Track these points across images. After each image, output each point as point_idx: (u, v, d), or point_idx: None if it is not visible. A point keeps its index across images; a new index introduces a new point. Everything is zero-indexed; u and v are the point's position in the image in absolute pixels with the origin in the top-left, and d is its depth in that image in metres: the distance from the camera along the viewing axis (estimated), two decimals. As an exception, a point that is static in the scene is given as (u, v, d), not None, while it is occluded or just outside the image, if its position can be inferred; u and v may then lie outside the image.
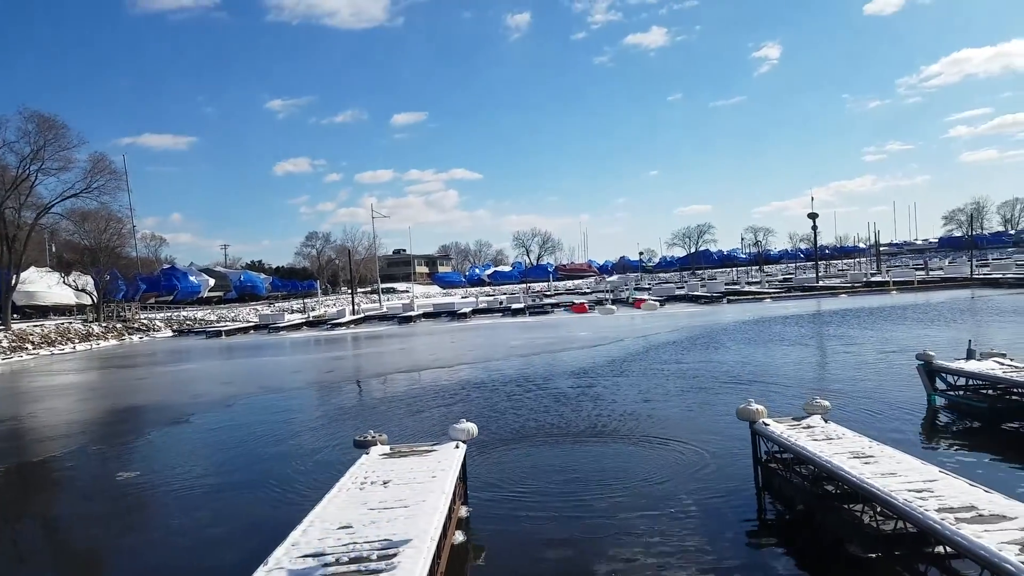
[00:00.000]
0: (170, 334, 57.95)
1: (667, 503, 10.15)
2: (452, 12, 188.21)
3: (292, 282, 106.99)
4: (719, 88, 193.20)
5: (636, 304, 12.29)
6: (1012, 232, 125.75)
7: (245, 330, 57.33)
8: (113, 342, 52.11)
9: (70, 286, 61.17)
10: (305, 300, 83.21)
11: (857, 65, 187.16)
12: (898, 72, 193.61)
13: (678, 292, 64.70)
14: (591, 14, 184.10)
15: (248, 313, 70.77)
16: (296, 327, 57.17)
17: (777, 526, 9.54)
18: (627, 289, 16.12)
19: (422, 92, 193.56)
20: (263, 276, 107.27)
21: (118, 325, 56.75)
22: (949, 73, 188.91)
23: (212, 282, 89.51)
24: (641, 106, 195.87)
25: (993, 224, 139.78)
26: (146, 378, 31.03)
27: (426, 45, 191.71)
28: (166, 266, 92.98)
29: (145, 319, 62.23)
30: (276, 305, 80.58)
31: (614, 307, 11.77)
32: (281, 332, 54.28)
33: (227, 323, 62.11)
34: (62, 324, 52.92)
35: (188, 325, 61.81)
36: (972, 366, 14.64)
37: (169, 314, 67.46)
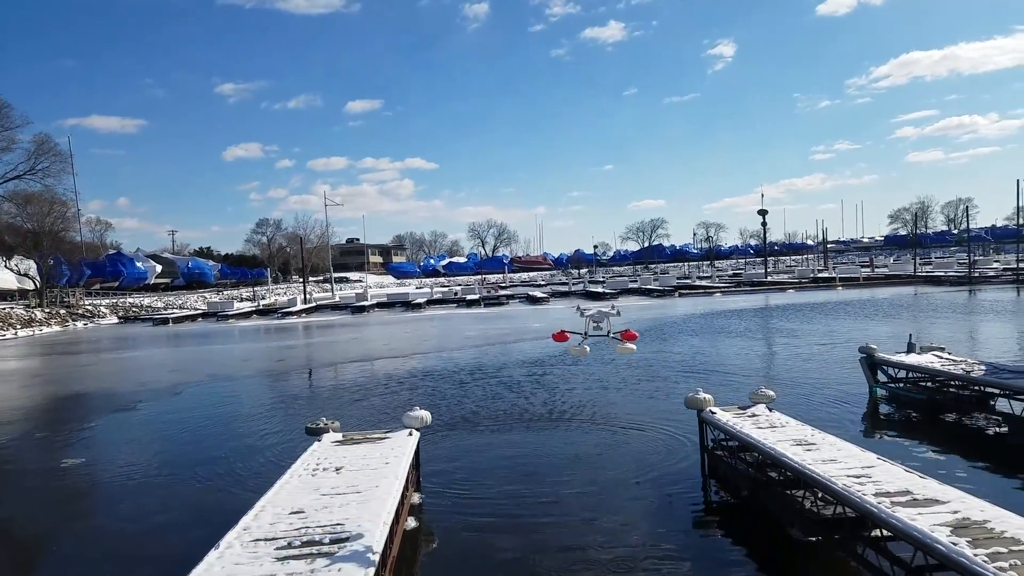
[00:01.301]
0: (115, 321, 56.54)
1: (616, 489, 10.32)
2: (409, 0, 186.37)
3: (242, 269, 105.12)
4: (674, 84, 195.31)
5: (623, 338, 11.55)
6: (955, 232, 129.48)
7: (193, 318, 56.24)
8: (56, 328, 50.66)
9: (12, 270, 59.28)
10: (255, 288, 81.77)
11: (808, 65, 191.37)
12: (848, 73, 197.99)
13: (631, 286, 65.58)
14: (549, 6, 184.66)
15: (196, 301, 69.36)
16: (246, 315, 56.23)
17: (722, 511, 9.75)
18: (607, 317, 14.23)
19: (378, 79, 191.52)
20: (212, 263, 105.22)
21: (62, 311, 55.15)
22: (897, 75, 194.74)
23: (159, 268, 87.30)
24: (597, 100, 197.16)
25: (937, 224, 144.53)
26: (91, 365, 30.26)
27: (382, 32, 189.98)
28: (112, 251, 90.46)
29: (90, 305, 60.52)
30: (225, 293, 79.10)
31: (587, 348, 10.92)
32: (230, 320, 53.34)
33: (174, 310, 60.83)
34: (3, 309, 51.26)
35: (134, 312, 60.37)
36: (912, 359, 15.14)
37: (115, 300, 65.70)
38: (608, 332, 12.32)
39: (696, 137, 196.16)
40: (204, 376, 24.51)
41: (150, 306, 64.27)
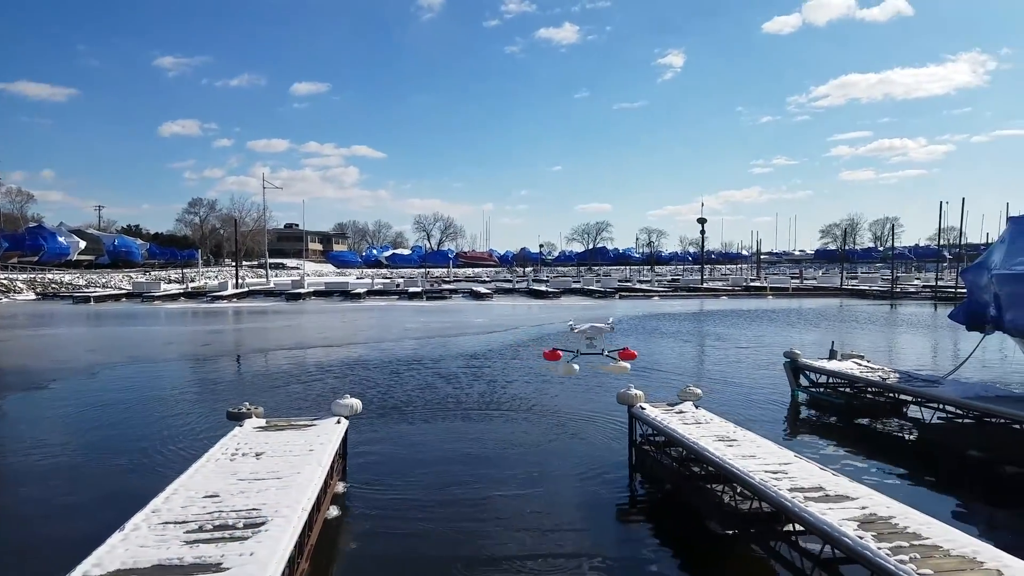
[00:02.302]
0: (33, 297, 54.31)
1: (544, 482, 10.43)
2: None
3: (171, 250, 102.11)
4: (624, 91, 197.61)
5: (623, 355, 10.70)
6: (881, 249, 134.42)
7: (117, 297, 54.40)
8: (-32, 302, 48.39)
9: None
10: (184, 270, 79.14)
11: (752, 81, 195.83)
12: (789, 90, 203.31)
13: (574, 286, 66.14)
14: (505, 3, 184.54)
15: (121, 280, 66.89)
16: (173, 297, 54.62)
17: (646, 505, 9.95)
18: (601, 333, 13.32)
19: (327, 63, 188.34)
20: (140, 242, 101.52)
21: (-26, 284, 52.68)
22: (835, 95, 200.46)
23: (83, 245, 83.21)
24: (549, 100, 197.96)
25: (865, 240, 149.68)
26: (3, 341, 29.01)
27: (334, 15, 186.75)
28: (32, 224, 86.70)
29: (5, 279, 57.79)
30: (152, 273, 76.33)
31: (576, 366, 10.14)
32: (156, 302, 51.64)
33: (97, 289, 58.73)
34: (-89, 280, 48.72)
35: (54, 288, 58.02)
36: (833, 365, 15.74)
37: (33, 276, 62.94)
38: (603, 350, 12.33)
39: (643, 144, 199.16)
40: (124, 357, 23.64)
41: (71, 283, 61.82)
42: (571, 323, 13.46)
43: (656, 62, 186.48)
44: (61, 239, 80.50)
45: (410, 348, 25.80)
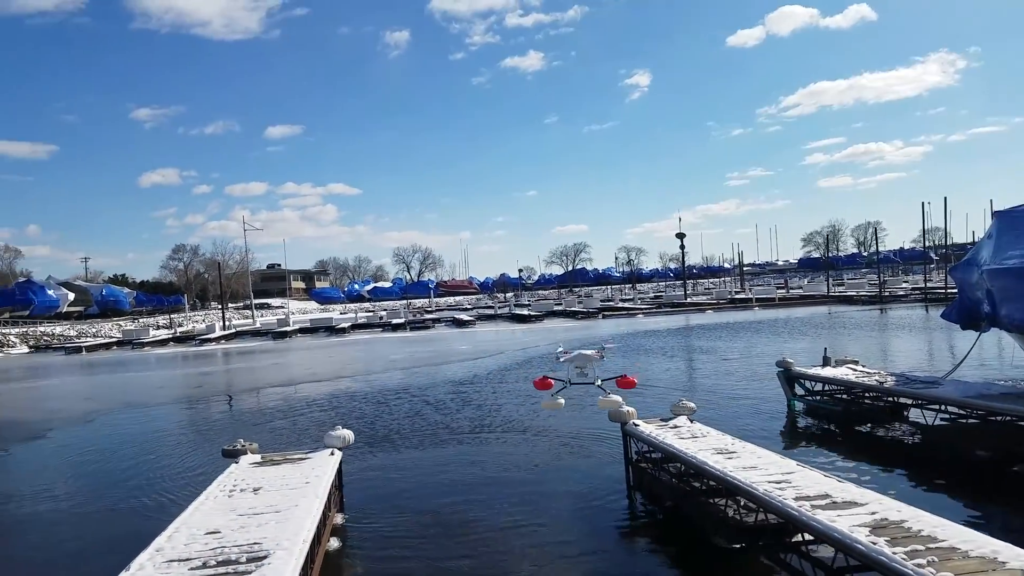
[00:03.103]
0: (26, 350, 53.49)
1: (541, 503, 10.20)
2: (329, 27, 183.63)
3: (158, 297, 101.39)
4: (593, 113, 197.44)
5: (621, 383, 10.09)
6: (865, 254, 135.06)
7: (107, 346, 53.73)
8: (-40, 360, 47.61)
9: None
10: (172, 315, 78.74)
11: (721, 95, 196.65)
12: (759, 102, 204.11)
13: (556, 308, 65.98)
14: (469, 35, 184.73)
15: (111, 329, 66.19)
16: (162, 343, 54.08)
17: (648, 523, 9.69)
18: (590, 362, 11.76)
19: (299, 105, 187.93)
20: (127, 290, 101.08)
21: (-34, 342, 51.88)
22: (806, 104, 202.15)
23: (72, 296, 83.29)
24: (519, 127, 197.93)
25: (848, 246, 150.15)
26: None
27: (303, 58, 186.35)
28: (21, 279, 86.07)
29: (-2, 335, 57.13)
30: (141, 321, 75.81)
31: (562, 400, 9.78)
32: (146, 348, 51.18)
33: (88, 339, 57.95)
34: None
35: (46, 341, 57.20)
36: (827, 372, 15.53)
37: (25, 330, 62.16)
38: (597, 380, 11.35)
39: (615, 164, 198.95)
40: (118, 404, 23.40)
41: (63, 335, 61.06)
42: (558, 351, 12.63)
43: (623, 83, 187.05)
44: (50, 292, 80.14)
45: (397, 379, 25.50)
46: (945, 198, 66.96)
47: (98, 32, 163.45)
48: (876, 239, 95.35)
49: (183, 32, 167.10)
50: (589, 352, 11.58)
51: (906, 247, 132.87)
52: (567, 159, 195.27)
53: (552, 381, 11.62)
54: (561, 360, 11.90)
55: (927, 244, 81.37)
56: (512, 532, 9.11)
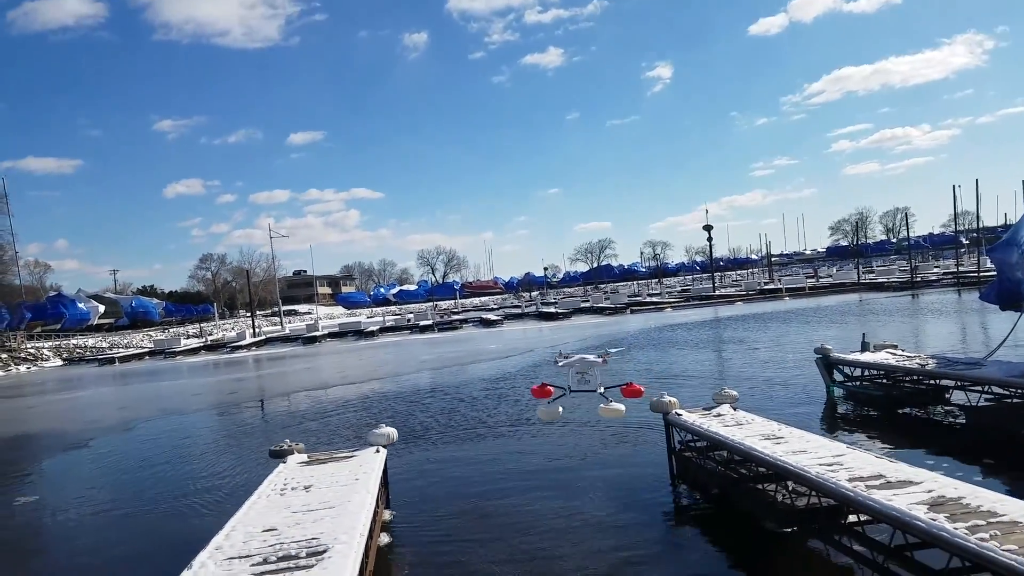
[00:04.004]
0: (60, 363, 54.50)
1: (585, 495, 10.21)
2: (348, 31, 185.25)
3: (187, 307, 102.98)
4: (615, 108, 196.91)
5: (626, 392, 10.07)
6: (894, 241, 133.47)
7: (140, 356, 54.62)
8: (-1, 373, 48.67)
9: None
10: (201, 324, 79.95)
11: (744, 84, 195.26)
12: (783, 90, 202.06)
13: (583, 305, 65.88)
14: (488, 34, 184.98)
15: (142, 339, 67.40)
16: (194, 351, 54.83)
17: (694, 511, 9.67)
18: (593, 367, 10.67)
19: (319, 111, 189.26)
20: (156, 301, 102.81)
21: (3, 355, 52.95)
22: (831, 91, 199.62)
23: (102, 309, 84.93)
24: (540, 125, 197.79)
25: (876, 233, 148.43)
26: (37, 406, 29.09)
27: (322, 64, 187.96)
28: (52, 293, 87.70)
29: (32, 348, 58.21)
30: (171, 330, 77.11)
31: (560, 409, 10.00)
32: (178, 357, 51.97)
33: (120, 350, 58.96)
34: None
35: (79, 353, 58.27)
36: (867, 357, 15.37)
37: (58, 343, 63.46)
38: (599, 387, 10.34)
39: (638, 158, 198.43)
40: (155, 411, 23.76)
41: (95, 346, 62.19)
42: (557, 353, 11.65)
43: (644, 76, 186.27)
44: (81, 305, 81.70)
45: (430, 378, 25.70)
46: (977, 180, 66.09)
47: (120, 46, 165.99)
48: (907, 224, 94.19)
49: (203, 42, 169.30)
50: (592, 357, 10.70)
51: (935, 232, 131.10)
52: (589, 155, 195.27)
53: (552, 389, 10.81)
54: (560, 364, 11.00)
55: (958, 228, 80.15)
56: (558, 524, 9.15)
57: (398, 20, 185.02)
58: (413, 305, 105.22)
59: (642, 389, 10.28)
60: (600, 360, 10.48)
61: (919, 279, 60.03)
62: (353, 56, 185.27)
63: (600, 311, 60.34)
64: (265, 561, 6.00)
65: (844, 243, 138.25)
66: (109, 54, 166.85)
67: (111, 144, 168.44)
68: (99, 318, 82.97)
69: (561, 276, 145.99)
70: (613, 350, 11.30)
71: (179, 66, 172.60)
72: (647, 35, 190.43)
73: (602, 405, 10.15)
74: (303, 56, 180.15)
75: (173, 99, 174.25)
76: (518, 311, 68.58)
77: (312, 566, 5.78)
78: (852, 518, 7.11)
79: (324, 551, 6.10)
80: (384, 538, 8.71)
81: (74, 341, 65.25)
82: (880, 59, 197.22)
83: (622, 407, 10.18)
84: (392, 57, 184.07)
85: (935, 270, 69.15)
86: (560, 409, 10.83)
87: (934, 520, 5.70)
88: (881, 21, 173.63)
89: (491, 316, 61.70)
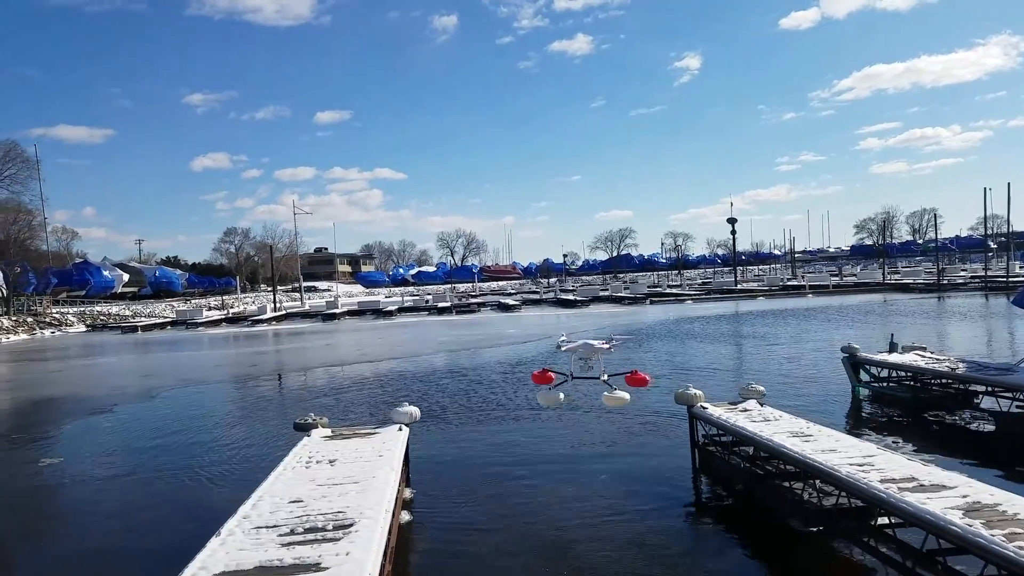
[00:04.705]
0: (83, 329, 55.15)
1: (606, 485, 10.19)
2: (379, 12, 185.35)
3: (209, 279, 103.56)
4: (641, 97, 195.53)
5: (630, 380, 10.04)
6: (920, 242, 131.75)
7: (162, 326, 55.08)
8: (24, 336, 49.24)
9: (-23, 278, 57.49)
10: (223, 297, 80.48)
11: (772, 78, 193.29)
12: (811, 86, 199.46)
13: (602, 294, 65.68)
14: (517, 19, 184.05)
15: (164, 309, 67.87)
16: (215, 323, 55.24)
17: (717, 506, 9.65)
18: (597, 354, 10.32)
19: (347, 90, 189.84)
20: (179, 272, 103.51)
21: (29, 319, 53.64)
22: (860, 88, 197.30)
23: (126, 277, 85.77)
24: (564, 111, 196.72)
25: (902, 234, 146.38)
26: (62, 371, 29.44)
27: (352, 44, 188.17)
28: (78, 260, 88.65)
29: (57, 313, 58.91)
30: (193, 301, 77.47)
31: (561, 395, 10.36)
32: (200, 328, 52.32)
33: (143, 318, 59.48)
34: (-32, 318, 49.79)
35: (102, 320, 58.89)
36: (895, 358, 15.19)
37: (82, 309, 64.08)
38: (602, 374, 10.02)
39: (662, 148, 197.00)
40: (178, 381, 23.98)
41: (118, 314, 62.81)
42: (561, 339, 11.25)
43: (672, 66, 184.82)
44: (106, 273, 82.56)
45: (448, 360, 25.76)
46: (1009, 184, 64.57)
47: (154, 19, 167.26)
48: (936, 225, 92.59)
49: (236, 18, 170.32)
50: (596, 343, 10.34)
51: (963, 235, 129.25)
52: (613, 144, 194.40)
53: (553, 375, 10.62)
54: (563, 349, 10.73)
55: (987, 231, 79.02)
56: (576, 509, 9.17)
57: (429, 1, 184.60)
58: (431, 287, 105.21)
59: (648, 378, 10.10)
60: (605, 346, 10.27)
61: (945, 281, 59.29)
62: (382, 37, 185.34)
63: (619, 300, 60.13)
64: (292, 532, 6.07)
65: (869, 242, 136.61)
66: (143, 26, 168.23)
67: (141, 115, 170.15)
68: (123, 287, 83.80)
69: (580, 264, 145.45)
70: (618, 338, 11.08)
71: (211, 41, 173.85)
72: (677, 25, 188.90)
73: (605, 393, 10.01)
74: (333, 35, 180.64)
75: (204, 73, 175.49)
76: (536, 297, 68.52)
77: (339, 539, 5.85)
78: (882, 520, 7.05)
79: (351, 525, 6.17)
80: (405, 515, 8.75)
81: (98, 308, 65.88)
82: (912, 58, 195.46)
83: (626, 395, 10.04)
84: (421, 39, 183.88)
85: (962, 273, 68.28)
86: (561, 396, 10.67)
87: (970, 526, 5.63)
88: (914, 19, 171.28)
89: (509, 300, 61.68)
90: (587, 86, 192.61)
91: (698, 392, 10.88)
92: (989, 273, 60.43)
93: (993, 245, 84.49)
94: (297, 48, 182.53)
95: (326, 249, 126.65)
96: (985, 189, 66.16)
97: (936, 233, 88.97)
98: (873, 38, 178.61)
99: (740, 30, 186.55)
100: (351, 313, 58.26)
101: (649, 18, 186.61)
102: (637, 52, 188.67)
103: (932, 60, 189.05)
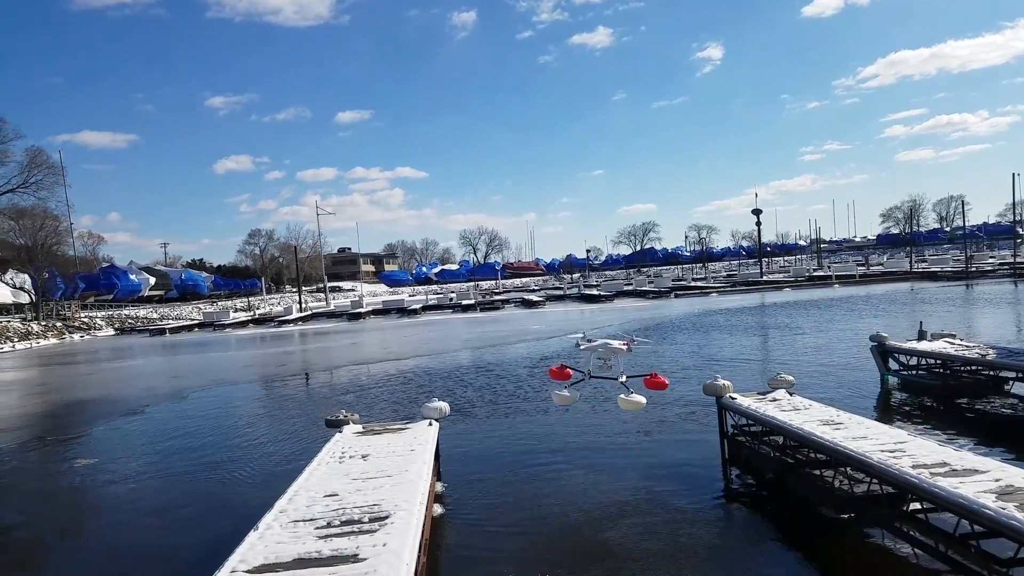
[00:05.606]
0: (112, 332, 56.15)
1: (634, 475, 10.29)
2: (398, 10, 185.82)
3: (234, 280, 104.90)
4: (662, 88, 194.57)
5: (649, 383, 9.64)
6: (947, 230, 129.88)
7: (189, 328, 55.91)
8: (53, 341, 50.28)
9: (7, 284, 58.70)
10: (249, 298, 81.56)
11: (796, 67, 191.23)
12: (835, 74, 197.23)
13: (626, 288, 65.55)
14: (537, 13, 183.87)
15: (191, 311, 68.99)
16: (242, 324, 55.95)
17: (747, 495, 9.66)
18: (617, 354, 10.08)
19: (367, 90, 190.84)
20: (205, 275, 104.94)
21: (58, 324, 54.77)
22: (885, 75, 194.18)
23: (153, 281, 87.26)
24: (585, 106, 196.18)
25: (929, 222, 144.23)
26: (93, 374, 30.06)
27: (371, 43, 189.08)
28: (105, 264, 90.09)
29: (86, 318, 60.11)
30: (219, 303, 78.75)
31: (572, 394, 10.36)
32: (227, 329, 53.07)
33: (170, 321, 60.42)
34: (0, 323, 50.81)
35: (130, 323, 59.97)
36: (924, 346, 15.09)
37: (110, 313, 65.36)
38: (620, 375, 9.93)
39: (685, 140, 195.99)
40: (208, 381, 24.40)
41: (145, 317, 63.92)
42: (578, 337, 10.91)
43: (694, 56, 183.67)
44: (133, 277, 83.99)
45: (473, 356, 25.88)
46: (1037, 168, 63.44)
47: (174, 23, 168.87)
48: (964, 212, 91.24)
49: (255, 20, 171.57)
50: (616, 343, 10.11)
51: (991, 222, 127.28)
52: (635, 137, 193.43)
53: (571, 372, 10.49)
54: (582, 348, 10.49)
55: (1016, 218, 77.66)
56: (609, 500, 9.25)
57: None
58: (455, 284, 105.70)
59: (666, 381, 9.90)
60: (624, 347, 10.04)
61: (973, 269, 58.44)
62: (402, 35, 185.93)
63: (643, 294, 59.97)
64: (329, 525, 6.21)
65: (895, 231, 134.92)
66: (164, 31, 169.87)
67: (164, 119, 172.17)
68: (149, 290, 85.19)
69: (603, 259, 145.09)
70: (638, 339, 10.97)
71: (231, 43, 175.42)
72: (698, 15, 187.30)
73: (621, 396, 9.81)
74: (353, 35, 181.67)
75: (225, 76, 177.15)
76: (559, 292, 68.49)
77: (375, 531, 5.97)
78: (915, 505, 7.06)
79: (386, 517, 6.30)
80: (437, 508, 8.89)
81: (125, 312, 67.12)
82: (938, 43, 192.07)
83: (642, 399, 9.81)
84: (440, 36, 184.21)
85: (990, 260, 67.22)
86: (577, 394, 10.56)
87: (1003, 509, 5.64)
88: (940, 3, 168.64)
89: (533, 297, 61.77)
90: (608, 79, 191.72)
91: (726, 383, 10.89)
92: (1018, 260, 59.48)
93: (1022, 231, 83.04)
94: (317, 48, 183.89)
95: (349, 249, 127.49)
96: (1013, 175, 65.07)
97: (964, 220, 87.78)
98: (898, 23, 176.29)
99: (762, 18, 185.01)
100: (376, 312, 58.67)
101: (670, 8, 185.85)
102: (658, 43, 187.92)
103: (959, 44, 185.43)
